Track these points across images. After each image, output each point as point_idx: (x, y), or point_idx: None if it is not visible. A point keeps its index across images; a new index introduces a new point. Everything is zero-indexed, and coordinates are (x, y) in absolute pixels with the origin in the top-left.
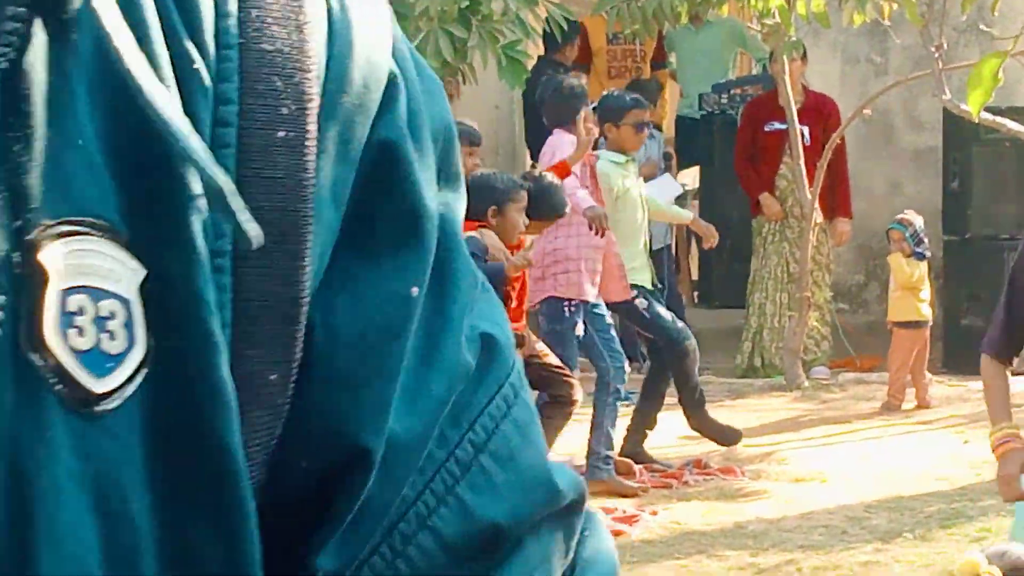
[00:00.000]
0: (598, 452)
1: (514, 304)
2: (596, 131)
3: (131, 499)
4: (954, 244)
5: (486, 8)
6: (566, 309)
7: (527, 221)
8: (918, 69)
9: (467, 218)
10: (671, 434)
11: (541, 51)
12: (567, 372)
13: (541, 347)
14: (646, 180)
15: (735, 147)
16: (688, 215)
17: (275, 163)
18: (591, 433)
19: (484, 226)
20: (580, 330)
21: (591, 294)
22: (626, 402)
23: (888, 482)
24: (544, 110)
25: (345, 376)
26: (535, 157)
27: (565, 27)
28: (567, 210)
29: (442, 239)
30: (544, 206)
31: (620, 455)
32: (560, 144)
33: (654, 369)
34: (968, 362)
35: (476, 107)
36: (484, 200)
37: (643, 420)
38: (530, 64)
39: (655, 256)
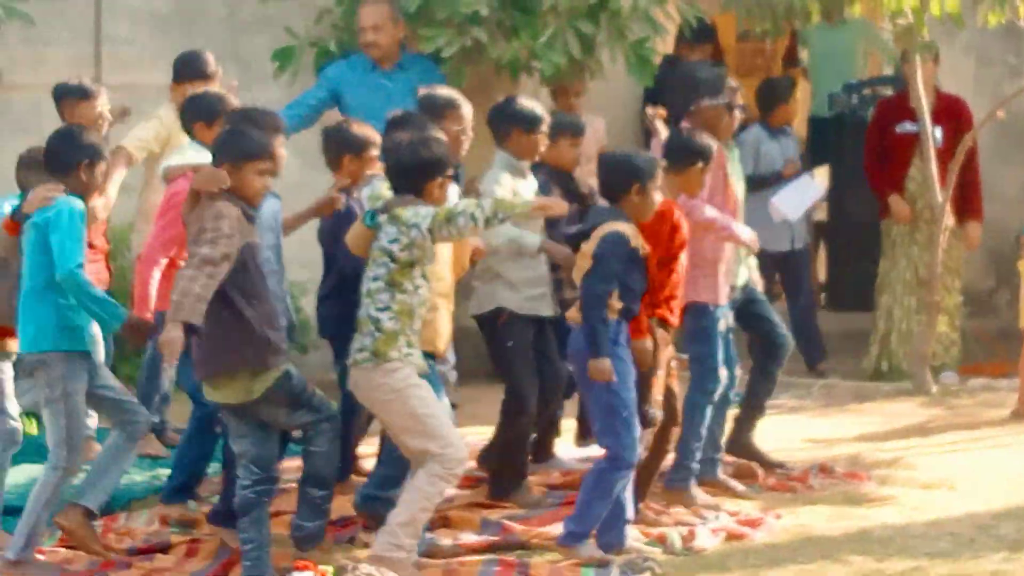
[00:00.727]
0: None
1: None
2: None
3: None
4: None
5: (615, 5)
6: (709, 306)
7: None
8: None
9: (607, 195)
10: (795, 437)
11: (670, 49)
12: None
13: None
14: (787, 180)
15: (865, 148)
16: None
17: None
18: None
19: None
20: (724, 326)
21: (725, 296)
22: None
23: (1017, 491)
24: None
25: None
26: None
27: (695, 25)
28: None
29: None
30: None
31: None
32: None
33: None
34: None
35: (603, 103)
36: (628, 178)
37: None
38: (657, 61)
39: (797, 256)
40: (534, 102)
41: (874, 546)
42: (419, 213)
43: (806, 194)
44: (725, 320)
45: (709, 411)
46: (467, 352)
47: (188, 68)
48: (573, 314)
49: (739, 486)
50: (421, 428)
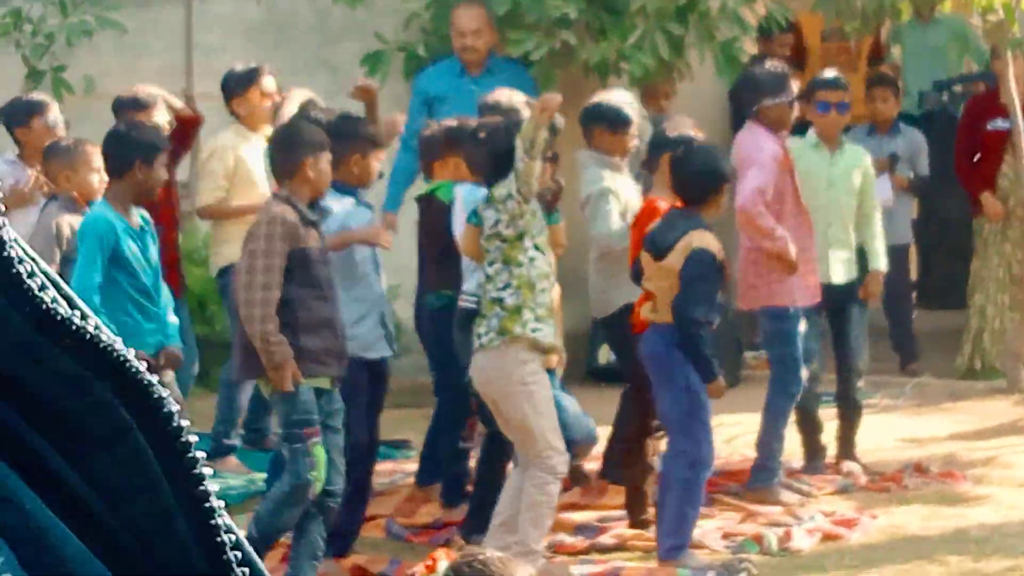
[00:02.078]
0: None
1: None
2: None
3: None
4: None
5: (704, 5)
6: (789, 309)
7: None
8: None
9: (689, 200)
10: (890, 436)
11: (755, 49)
12: None
13: None
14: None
15: (956, 146)
16: None
17: None
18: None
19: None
20: (804, 327)
21: (804, 297)
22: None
23: None
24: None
25: None
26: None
27: (784, 24)
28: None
29: None
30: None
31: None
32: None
33: None
34: None
35: (691, 104)
36: (713, 182)
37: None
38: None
39: (897, 253)
40: (623, 100)
41: (971, 546)
42: (505, 183)
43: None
44: (805, 320)
45: (791, 413)
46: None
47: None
48: (647, 314)
49: (792, 497)
50: (529, 428)
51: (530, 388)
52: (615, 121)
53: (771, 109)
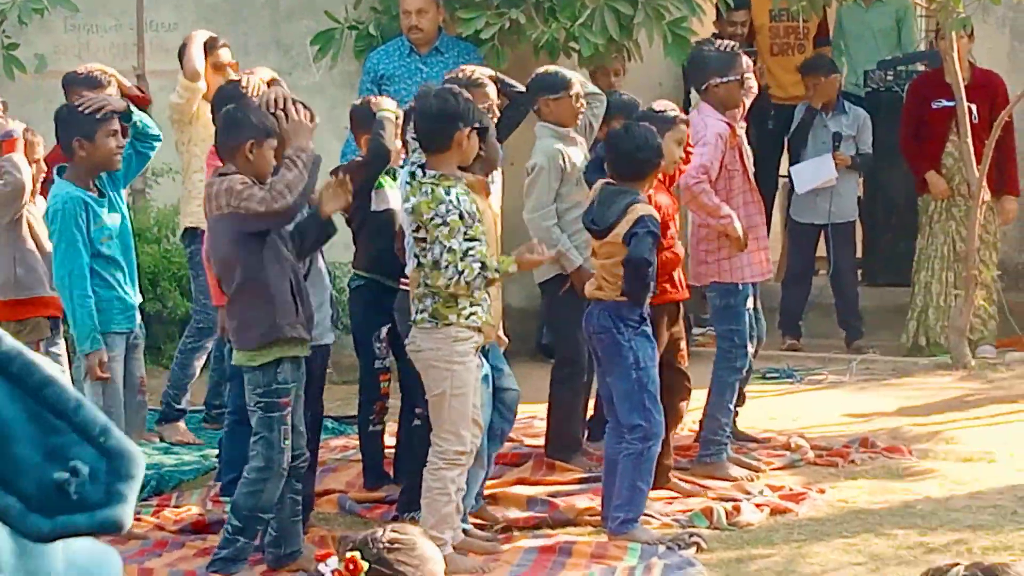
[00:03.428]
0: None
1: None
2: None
3: None
4: None
5: None
6: (737, 285)
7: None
8: None
9: (624, 176)
10: (837, 412)
11: (709, 31)
12: None
13: None
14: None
15: (901, 124)
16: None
17: None
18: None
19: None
20: (751, 303)
21: (752, 274)
22: (788, 380)
23: None
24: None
25: None
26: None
27: (732, 4)
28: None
29: None
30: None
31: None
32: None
33: None
34: None
35: (640, 84)
36: (652, 159)
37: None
38: (695, 41)
39: (843, 230)
40: (561, 68)
41: (917, 519)
42: (420, 200)
43: (819, 173)
44: (753, 297)
45: (736, 387)
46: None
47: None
48: (593, 291)
49: (741, 472)
50: (441, 407)
51: (454, 368)
52: (554, 85)
53: (719, 88)
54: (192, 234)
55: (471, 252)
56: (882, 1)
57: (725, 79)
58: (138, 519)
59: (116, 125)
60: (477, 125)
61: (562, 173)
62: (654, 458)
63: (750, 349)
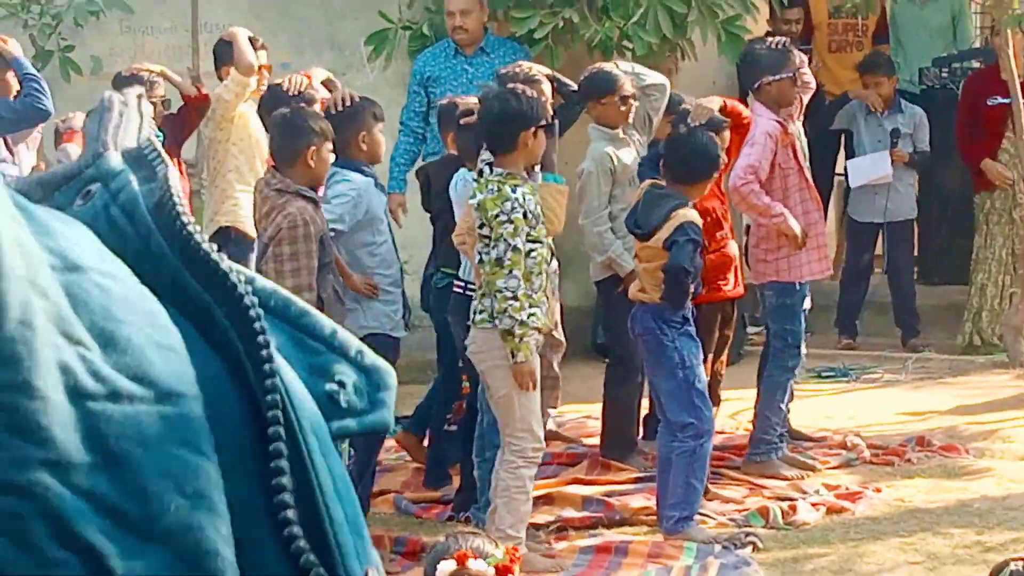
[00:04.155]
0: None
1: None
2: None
3: None
4: None
5: None
6: (794, 284)
7: None
8: None
9: (678, 180)
10: (893, 411)
11: (763, 29)
12: None
13: None
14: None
15: (956, 121)
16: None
17: None
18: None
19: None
20: (808, 303)
21: (810, 272)
22: (844, 378)
23: None
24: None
25: None
26: None
27: (786, 2)
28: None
29: None
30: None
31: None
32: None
33: None
34: None
35: (694, 82)
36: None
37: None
38: (749, 39)
39: (901, 228)
40: (611, 68)
41: (974, 518)
42: (488, 198)
43: (875, 168)
44: (808, 298)
45: (790, 387)
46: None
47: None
48: (636, 293)
49: (790, 471)
50: (510, 405)
51: (504, 372)
52: (600, 88)
53: (771, 86)
54: (226, 234)
55: (532, 254)
56: None
57: (777, 76)
58: None
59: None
60: (543, 123)
61: (612, 175)
62: (707, 455)
63: (804, 350)
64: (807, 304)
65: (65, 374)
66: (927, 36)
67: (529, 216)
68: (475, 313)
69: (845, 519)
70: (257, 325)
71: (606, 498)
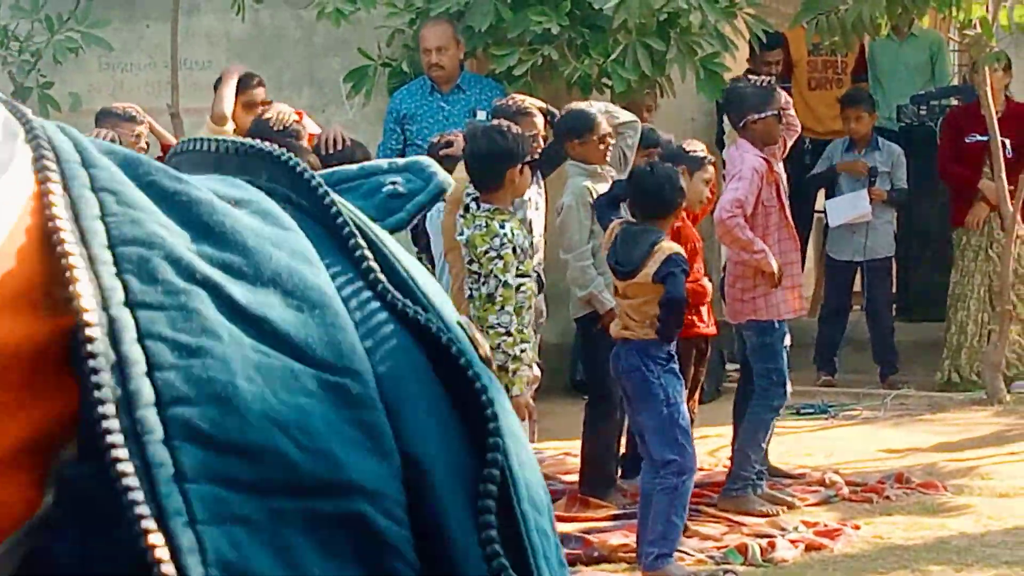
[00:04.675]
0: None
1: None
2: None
3: None
4: None
5: (684, 21)
6: (773, 322)
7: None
8: None
9: (647, 215)
10: (872, 448)
11: (742, 67)
12: None
13: None
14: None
15: (939, 155)
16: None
17: None
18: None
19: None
20: (788, 340)
21: (788, 310)
22: (823, 415)
23: None
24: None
25: None
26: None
27: (763, 39)
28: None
29: None
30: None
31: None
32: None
33: None
34: None
35: (673, 120)
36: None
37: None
38: (728, 77)
39: (880, 266)
40: (587, 107)
41: (953, 556)
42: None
43: (854, 207)
44: (788, 335)
45: (773, 426)
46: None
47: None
48: (620, 331)
49: (766, 506)
50: None
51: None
52: (578, 128)
53: (757, 123)
54: None
55: (522, 288)
56: (915, 36)
57: (762, 115)
58: None
59: None
60: (528, 160)
61: (592, 210)
62: (688, 492)
63: (789, 388)
64: (787, 341)
65: None
66: (905, 73)
67: (518, 251)
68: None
69: (824, 556)
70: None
71: (585, 535)
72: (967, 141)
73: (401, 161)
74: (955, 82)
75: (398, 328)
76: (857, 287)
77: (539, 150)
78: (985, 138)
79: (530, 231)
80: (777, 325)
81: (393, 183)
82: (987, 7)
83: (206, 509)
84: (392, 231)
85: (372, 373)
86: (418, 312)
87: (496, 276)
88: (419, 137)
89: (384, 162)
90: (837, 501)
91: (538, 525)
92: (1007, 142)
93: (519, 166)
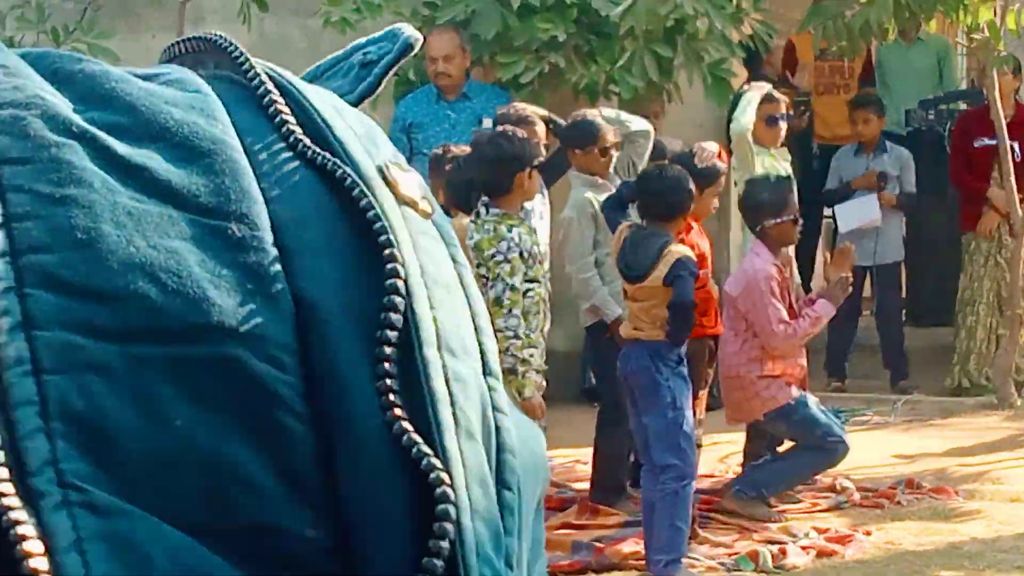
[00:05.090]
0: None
1: None
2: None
3: None
4: None
5: (691, 27)
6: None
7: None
8: None
9: (657, 217)
10: (883, 453)
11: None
12: None
13: None
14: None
15: (950, 160)
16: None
17: None
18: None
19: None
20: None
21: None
22: None
23: None
24: None
25: None
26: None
27: (770, 45)
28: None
29: None
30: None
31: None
32: None
33: None
34: None
35: (680, 126)
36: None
37: None
38: (736, 82)
39: (888, 271)
40: (602, 115)
41: (964, 561)
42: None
43: (863, 213)
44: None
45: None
46: (551, 376)
47: None
48: (631, 332)
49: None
50: None
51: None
52: (581, 138)
53: (773, 228)
54: None
55: (530, 293)
56: (923, 40)
57: (779, 220)
58: None
59: None
60: (536, 163)
61: (595, 220)
62: (689, 497)
63: (846, 438)
64: (813, 402)
65: None
66: (913, 78)
67: (526, 256)
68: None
69: (835, 562)
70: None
71: (596, 543)
72: (975, 145)
73: (380, 33)
74: (963, 86)
75: (307, 175)
76: (867, 292)
77: (542, 158)
78: (993, 142)
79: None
80: (795, 402)
81: (364, 52)
82: (995, 11)
83: (55, 357)
84: (364, 97)
85: (266, 217)
86: (328, 160)
87: (503, 279)
88: (425, 145)
89: (364, 39)
90: (848, 507)
91: (454, 372)
92: (1015, 146)
93: (527, 170)
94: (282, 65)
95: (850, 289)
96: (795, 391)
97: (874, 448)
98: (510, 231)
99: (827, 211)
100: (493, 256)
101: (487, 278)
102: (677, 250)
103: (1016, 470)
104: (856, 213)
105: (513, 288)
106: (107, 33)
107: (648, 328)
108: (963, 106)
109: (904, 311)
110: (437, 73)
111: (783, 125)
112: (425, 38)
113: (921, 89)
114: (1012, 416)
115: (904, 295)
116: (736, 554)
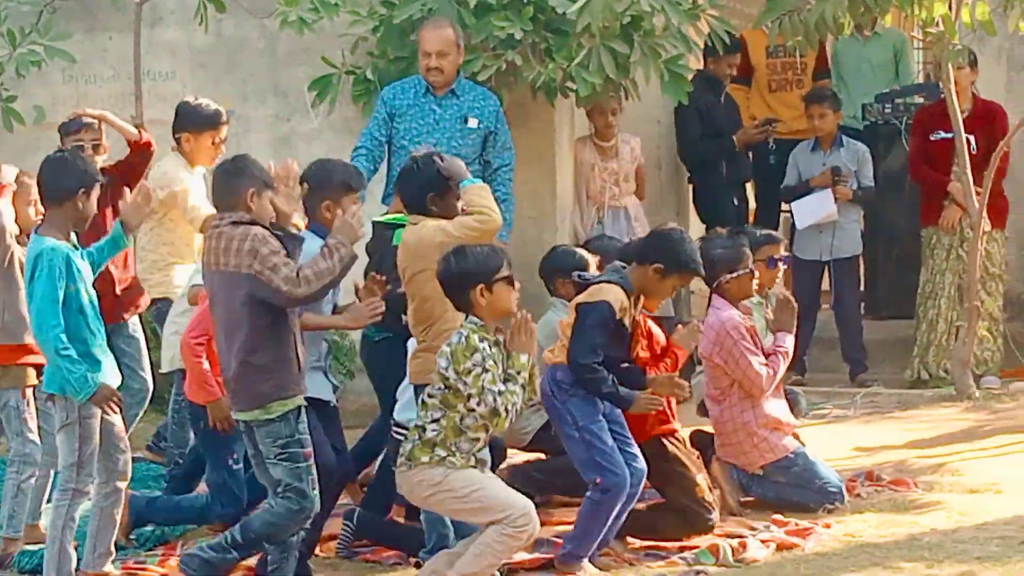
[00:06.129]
0: None
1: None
2: None
3: None
4: None
5: (648, 24)
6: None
7: None
8: None
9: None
10: (841, 446)
11: (700, 65)
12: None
13: None
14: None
15: (909, 154)
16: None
17: None
18: None
19: None
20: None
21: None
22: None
23: None
24: None
25: None
26: (692, 171)
27: (727, 41)
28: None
29: None
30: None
31: None
32: None
33: None
34: None
35: (638, 122)
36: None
37: None
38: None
39: (847, 265)
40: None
41: (924, 552)
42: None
43: (819, 208)
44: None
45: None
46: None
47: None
48: (547, 355)
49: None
50: (473, 506)
51: (444, 483)
52: (572, 268)
53: (730, 283)
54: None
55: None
56: (879, 34)
57: (735, 274)
58: (144, 568)
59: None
60: (499, 277)
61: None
62: (611, 509)
63: (842, 487)
64: (809, 450)
65: None
66: (870, 72)
67: (499, 363)
68: (403, 457)
69: (795, 555)
70: None
71: (556, 539)
72: (932, 139)
73: None
74: (920, 80)
75: None
76: (825, 286)
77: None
78: (950, 135)
79: None
80: (793, 455)
81: None
82: (949, 5)
83: None
84: None
85: None
86: None
87: (488, 389)
88: (406, 136)
89: None
90: None
91: None
92: (971, 139)
93: (480, 287)
94: (240, 64)
95: (795, 306)
96: (789, 446)
97: (834, 441)
98: (481, 341)
99: (784, 207)
100: (470, 371)
101: (460, 391)
102: (608, 292)
103: (975, 462)
104: (812, 209)
105: (500, 393)
106: (64, 35)
107: (560, 351)
108: (920, 100)
109: (863, 304)
110: (429, 68)
111: (782, 268)
112: (421, 32)
113: (877, 83)
114: (971, 408)
115: (863, 288)
116: (696, 548)
